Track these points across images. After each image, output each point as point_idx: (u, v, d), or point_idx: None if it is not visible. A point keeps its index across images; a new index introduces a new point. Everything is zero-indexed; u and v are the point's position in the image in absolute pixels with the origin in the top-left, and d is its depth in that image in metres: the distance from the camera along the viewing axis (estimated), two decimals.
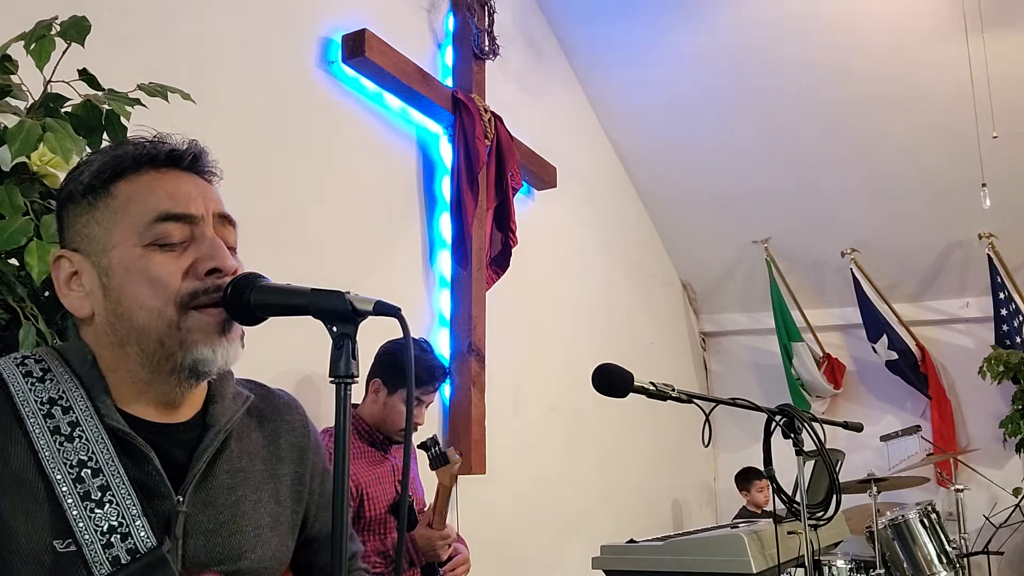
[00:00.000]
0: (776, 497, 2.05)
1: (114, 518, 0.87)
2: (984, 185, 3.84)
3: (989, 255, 4.74)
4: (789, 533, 2.21)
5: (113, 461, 0.89)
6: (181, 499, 0.93)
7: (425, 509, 2.32)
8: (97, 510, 0.86)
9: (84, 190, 0.95)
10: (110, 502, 0.87)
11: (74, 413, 0.90)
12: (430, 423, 3.08)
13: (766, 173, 4.78)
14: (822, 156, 4.62)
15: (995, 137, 3.79)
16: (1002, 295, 4.73)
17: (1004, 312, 4.71)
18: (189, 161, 0.99)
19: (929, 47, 3.99)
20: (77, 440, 0.88)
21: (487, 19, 3.52)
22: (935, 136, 4.32)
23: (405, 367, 2.42)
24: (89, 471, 0.87)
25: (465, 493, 3.16)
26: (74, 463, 0.87)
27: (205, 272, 0.94)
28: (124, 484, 0.88)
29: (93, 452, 0.88)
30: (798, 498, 1.90)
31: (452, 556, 2.32)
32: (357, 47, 2.80)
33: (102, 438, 0.89)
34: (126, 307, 0.92)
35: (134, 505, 0.88)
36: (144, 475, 0.91)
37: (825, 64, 4.17)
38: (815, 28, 4.05)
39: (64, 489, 0.86)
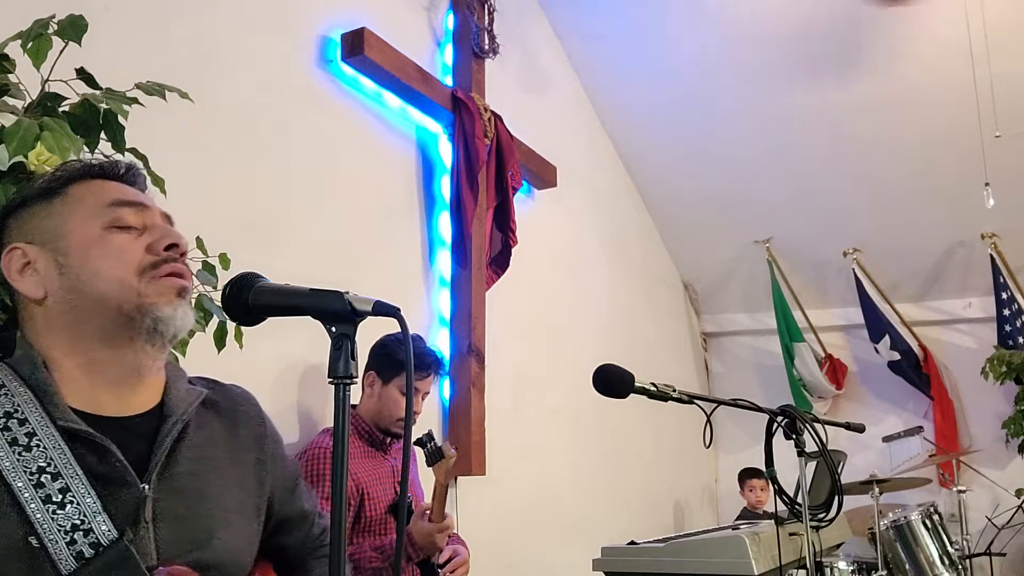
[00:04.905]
0: (777, 498, 2.04)
1: (76, 516, 0.93)
2: (987, 185, 3.82)
3: (992, 255, 4.73)
4: (791, 535, 2.20)
5: (71, 464, 0.95)
6: (147, 486, 0.98)
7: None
8: (59, 511, 0.93)
9: (39, 193, 1.06)
10: (71, 502, 0.93)
11: (30, 424, 0.96)
12: (429, 423, 3.07)
13: (768, 173, 4.77)
14: (824, 156, 4.60)
15: (998, 136, 3.78)
16: (1005, 295, 4.72)
17: (1007, 312, 4.70)
18: (130, 174, 1.11)
19: (931, 45, 3.97)
20: (35, 449, 0.94)
21: (487, 17, 3.50)
22: (937, 135, 4.30)
23: (399, 357, 2.41)
24: (49, 476, 0.93)
25: (465, 494, 3.15)
26: (34, 470, 0.93)
27: (164, 248, 1.04)
28: (83, 484, 0.95)
29: (51, 458, 0.94)
30: (800, 499, 1.90)
31: (452, 557, 2.30)
32: (356, 46, 2.79)
33: (59, 444, 0.95)
34: (86, 279, 1.00)
35: (94, 502, 0.94)
36: (108, 467, 0.97)
37: (827, 63, 4.16)
38: (817, 27, 4.04)
39: (26, 495, 0.92)
